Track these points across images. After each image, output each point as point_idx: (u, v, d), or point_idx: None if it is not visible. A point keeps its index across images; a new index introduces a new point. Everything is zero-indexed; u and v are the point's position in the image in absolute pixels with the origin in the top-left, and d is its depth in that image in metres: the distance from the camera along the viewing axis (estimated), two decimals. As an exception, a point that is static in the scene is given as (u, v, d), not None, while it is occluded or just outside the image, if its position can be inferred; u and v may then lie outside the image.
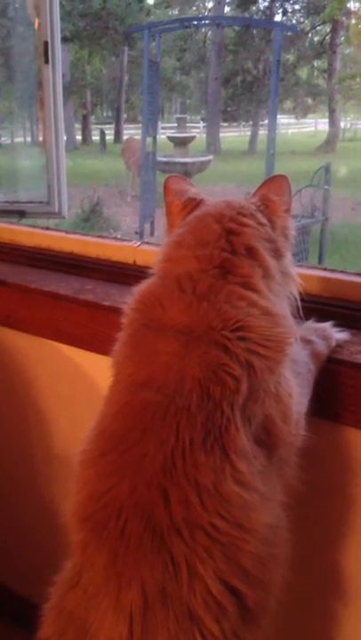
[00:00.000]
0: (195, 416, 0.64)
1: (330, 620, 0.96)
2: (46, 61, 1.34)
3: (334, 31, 13.09)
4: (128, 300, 0.75)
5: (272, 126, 6.76)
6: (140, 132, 7.58)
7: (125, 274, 1.18)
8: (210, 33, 13.95)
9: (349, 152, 12.25)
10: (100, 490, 0.64)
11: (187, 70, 15.76)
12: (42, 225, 1.49)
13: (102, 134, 14.50)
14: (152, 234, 6.86)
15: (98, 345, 1.07)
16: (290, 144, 12.86)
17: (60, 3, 1.33)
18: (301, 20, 14.10)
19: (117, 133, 15.53)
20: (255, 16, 13.76)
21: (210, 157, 9.04)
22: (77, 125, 15.41)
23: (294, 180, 0.82)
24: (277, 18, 13.57)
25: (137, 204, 7.46)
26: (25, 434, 1.37)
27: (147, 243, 1.23)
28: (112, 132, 15.80)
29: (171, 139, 8.82)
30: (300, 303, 0.80)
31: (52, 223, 1.75)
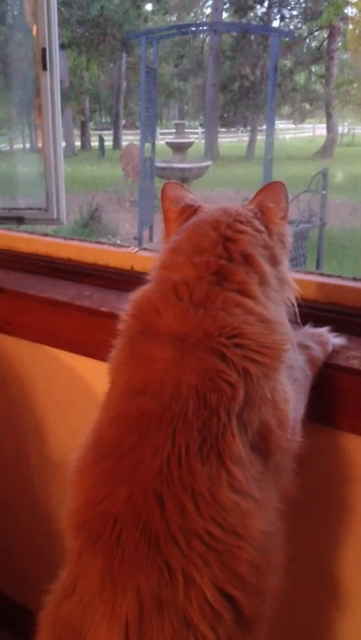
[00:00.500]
0: (191, 423, 0.63)
1: (326, 625, 0.95)
2: (44, 68, 1.34)
3: (331, 37, 13.19)
4: (125, 306, 0.75)
5: (270, 132, 6.78)
6: (138, 138, 7.61)
7: (123, 280, 1.18)
8: (207, 39, 14.03)
9: (347, 157, 12.31)
10: (95, 497, 0.64)
11: (185, 76, 15.86)
12: (40, 231, 1.49)
13: (101, 140, 14.54)
14: (151, 239, 6.87)
15: (95, 351, 1.07)
16: (288, 149, 12.92)
17: (59, 9, 1.34)
18: (299, 25, 14.20)
19: (116, 140, 15.58)
20: (253, 22, 13.85)
21: (208, 163, 9.07)
22: (76, 132, 15.46)
23: (292, 186, 0.82)
24: (275, 24, 13.67)
25: (135, 209, 7.48)
26: (21, 439, 1.37)
27: (144, 249, 1.23)
28: (111, 138, 15.85)
29: (169, 144, 8.86)
30: (297, 309, 0.80)
31: (51, 229, 1.75)
